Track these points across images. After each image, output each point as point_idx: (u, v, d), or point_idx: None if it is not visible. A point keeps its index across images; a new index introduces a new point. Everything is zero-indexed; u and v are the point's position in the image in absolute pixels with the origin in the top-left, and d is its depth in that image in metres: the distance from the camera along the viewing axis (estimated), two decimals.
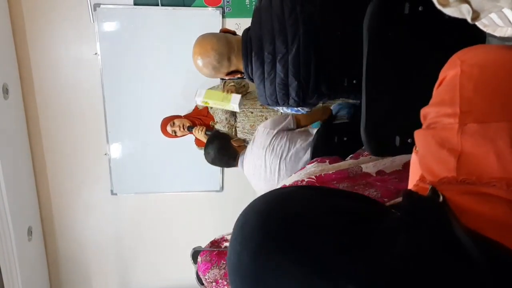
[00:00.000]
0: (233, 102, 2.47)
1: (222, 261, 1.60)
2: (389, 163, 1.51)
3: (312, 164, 1.59)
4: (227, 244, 1.66)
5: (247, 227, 0.57)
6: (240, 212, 0.68)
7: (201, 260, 1.64)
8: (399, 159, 1.51)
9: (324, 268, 0.51)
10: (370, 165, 1.51)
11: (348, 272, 0.50)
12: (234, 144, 2.11)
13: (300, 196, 0.61)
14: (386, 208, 0.62)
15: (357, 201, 0.61)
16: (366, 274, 0.49)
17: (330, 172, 1.50)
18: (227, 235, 1.70)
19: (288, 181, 1.59)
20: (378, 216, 0.58)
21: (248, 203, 0.67)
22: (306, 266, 0.51)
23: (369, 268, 0.50)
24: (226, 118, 2.74)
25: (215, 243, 1.67)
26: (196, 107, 2.94)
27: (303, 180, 1.51)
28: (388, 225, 0.55)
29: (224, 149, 2.11)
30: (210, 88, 2.65)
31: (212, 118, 2.81)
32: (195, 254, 1.70)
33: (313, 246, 0.52)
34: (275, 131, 1.93)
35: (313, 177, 1.51)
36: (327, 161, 1.59)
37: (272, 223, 0.55)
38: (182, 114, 2.96)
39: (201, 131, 2.75)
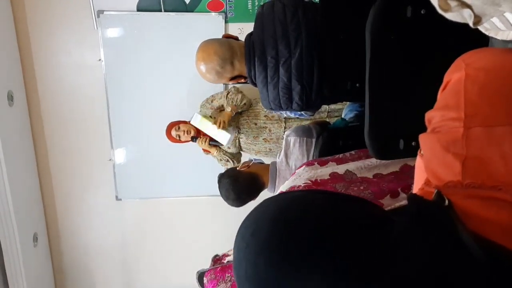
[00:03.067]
0: (223, 140, 2.63)
1: (227, 274, 1.60)
2: (383, 167, 1.50)
3: (302, 168, 1.58)
4: (229, 258, 1.65)
5: (261, 234, 0.56)
6: (242, 216, 0.67)
7: (207, 281, 1.63)
8: (393, 162, 1.50)
9: (347, 271, 0.51)
10: (364, 170, 1.50)
11: (367, 275, 0.51)
12: (243, 170, 1.88)
13: (312, 200, 0.61)
14: (389, 213, 0.62)
15: (366, 206, 0.61)
16: (384, 277, 0.51)
17: (326, 178, 1.49)
18: (228, 251, 1.69)
19: (284, 187, 1.57)
20: (386, 221, 0.58)
21: (252, 207, 0.66)
22: (326, 272, 0.52)
23: (385, 270, 0.51)
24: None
25: (217, 261, 1.67)
26: None
27: (299, 186, 1.50)
28: (397, 230, 0.55)
29: (240, 185, 1.83)
30: (205, 116, 2.73)
31: None
32: (200, 277, 1.69)
33: (333, 250, 0.52)
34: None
35: (309, 181, 1.50)
36: (316, 163, 1.58)
37: (288, 229, 0.55)
38: (188, 121, 2.94)
39: (205, 142, 2.74)
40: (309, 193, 0.67)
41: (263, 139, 2.74)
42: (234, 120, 2.74)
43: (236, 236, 0.61)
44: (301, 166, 1.59)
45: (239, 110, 2.73)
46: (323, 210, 0.58)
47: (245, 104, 2.73)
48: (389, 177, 1.46)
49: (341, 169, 1.53)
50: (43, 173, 3.33)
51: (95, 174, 3.38)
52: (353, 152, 1.62)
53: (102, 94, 3.15)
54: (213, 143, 2.76)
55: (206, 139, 2.74)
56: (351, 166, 1.53)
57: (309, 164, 1.58)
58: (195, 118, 2.69)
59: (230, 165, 2.86)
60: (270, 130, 2.73)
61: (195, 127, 2.80)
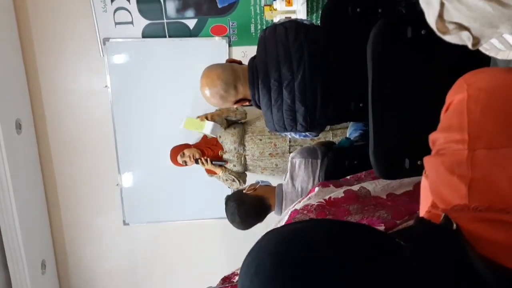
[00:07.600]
0: (206, 129, 2.72)
1: None
2: (397, 185, 1.49)
3: (316, 190, 1.57)
4: (238, 278, 1.63)
5: (264, 272, 0.56)
6: (251, 238, 0.66)
7: None
8: (408, 180, 1.49)
9: None
10: (378, 188, 1.49)
11: None
12: (250, 193, 1.87)
13: (313, 232, 0.60)
14: (394, 236, 0.61)
15: (369, 233, 0.60)
16: None
17: (340, 197, 1.49)
18: (237, 269, 1.68)
19: (299, 205, 1.57)
20: (392, 247, 0.57)
21: (261, 229, 0.66)
22: None
23: None
24: (235, 148, 2.74)
25: (226, 280, 1.66)
26: (205, 136, 2.95)
27: (313, 205, 1.50)
28: (404, 256, 0.55)
29: (246, 208, 1.82)
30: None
31: (221, 147, 2.82)
32: None
33: (337, 282, 0.52)
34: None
35: (323, 200, 1.50)
36: (331, 185, 1.57)
37: (291, 266, 0.54)
38: (191, 143, 2.96)
39: (207, 162, 2.75)
40: (311, 224, 0.66)
41: (269, 154, 2.73)
42: (239, 137, 2.75)
43: (240, 271, 0.61)
44: (314, 188, 1.58)
45: (231, 115, 2.79)
46: (325, 241, 0.57)
47: (237, 108, 2.76)
48: (404, 199, 1.45)
49: (355, 186, 1.53)
50: (51, 200, 3.34)
51: (102, 199, 3.38)
52: (368, 172, 1.61)
53: (108, 120, 3.18)
54: (216, 162, 2.76)
55: (207, 158, 2.75)
56: (365, 184, 1.53)
57: (324, 185, 1.57)
58: (183, 121, 2.81)
59: (236, 185, 2.83)
60: (275, 145, 2.73)
61: (199, 150, 2.82)
